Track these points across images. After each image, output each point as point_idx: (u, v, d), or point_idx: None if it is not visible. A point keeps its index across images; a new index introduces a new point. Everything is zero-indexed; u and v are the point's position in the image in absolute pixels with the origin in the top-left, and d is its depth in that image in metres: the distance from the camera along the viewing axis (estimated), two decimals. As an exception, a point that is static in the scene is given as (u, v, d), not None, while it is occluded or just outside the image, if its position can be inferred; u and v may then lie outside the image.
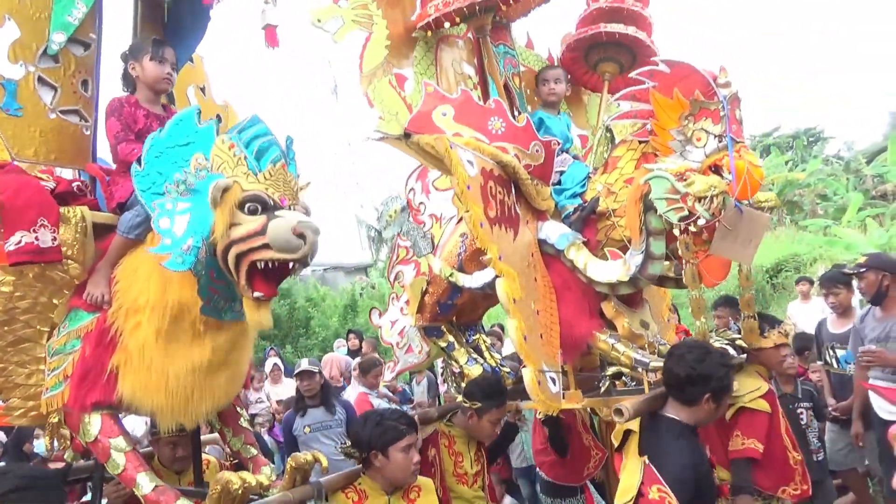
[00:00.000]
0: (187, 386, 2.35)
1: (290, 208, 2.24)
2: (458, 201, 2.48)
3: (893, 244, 10.95)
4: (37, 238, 2.40)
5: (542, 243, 3.00)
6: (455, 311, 3.74)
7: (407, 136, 2.73)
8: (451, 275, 3.38)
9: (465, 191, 2.44)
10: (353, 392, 6.32)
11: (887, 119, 26.88)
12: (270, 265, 2.14)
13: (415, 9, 3.27)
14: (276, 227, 2.11)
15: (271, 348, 9.98)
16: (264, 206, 2.18)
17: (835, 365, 4.67)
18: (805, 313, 7.48)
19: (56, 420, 2.54)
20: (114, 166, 2.77)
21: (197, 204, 2.22)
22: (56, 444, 2.72)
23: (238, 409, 2.88)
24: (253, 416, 5.70)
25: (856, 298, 5.22)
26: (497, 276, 2.58)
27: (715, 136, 2.67)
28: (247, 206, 2.17)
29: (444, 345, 3.73)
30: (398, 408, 5.24)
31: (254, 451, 2.82)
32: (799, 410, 3.91)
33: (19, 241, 2.38)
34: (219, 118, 3.22)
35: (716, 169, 2.67)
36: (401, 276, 4.15)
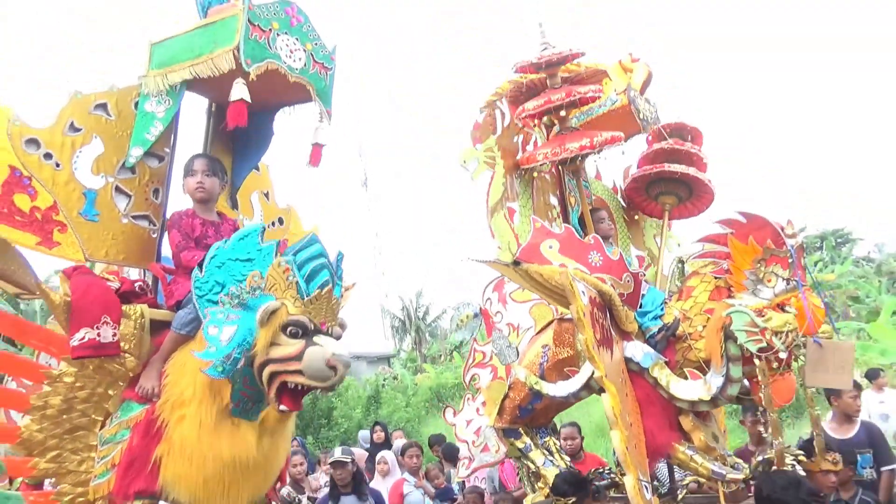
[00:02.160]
0: (224, 479, 2.49)
1: (328, 331, 2.46)
2: (579, 325, 2.85)
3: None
4: (99, 334, 2.61)
5: (627, 361, 3.38)
6: (532, 415, 4.08)
7: (516, 263, 3.20)
8: (535, 383, 3.74)
9: (582, 317, 2.84)
10: (391, 479, 6.55)
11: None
12: (300, 388, 2.36)
13: (519, 148, 3.82)
14: (311, 356, 2.31)
15: (294, 439, 10.10)
16: (304, 331, 2.38)
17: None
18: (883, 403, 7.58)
19: None
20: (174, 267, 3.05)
21: (245, 318, 2.39)
22: None
23: (272, 503, 3.04)
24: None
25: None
26: (603, 393, 2.93)
27: (783, 279, 3.13)
28: (289, 328, 2.37)
29: (521, 446, 4.04)
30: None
31: None
32: None
33: (83, 337, 2.59)
34: (280, 221, 3.68)
35: (781, 307, 3.11)
36: (476, 378, 4.51)
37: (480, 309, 4.59)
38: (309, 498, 6.51)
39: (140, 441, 2.55)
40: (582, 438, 5.94)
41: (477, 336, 4.61)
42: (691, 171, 4.12)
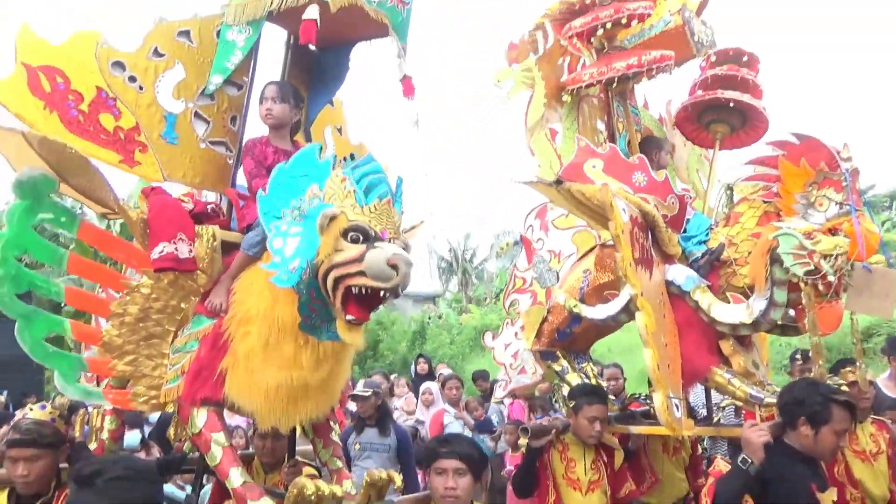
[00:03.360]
0: (284, 394, 2.54)
1: (389, 241, 2.41)
2: (617, 242, 2.86)
3: None
4: (176, 249, 2.75)
5: (668, 284, 3.36)
6: (570, 339, 4.12)
7: (558, 182, 3.18)
8: (574, 305, 3.76)
9: (620, 235, 2.83)
10: (434, 409, 6.75)
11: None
12: (364, 291, 2.32)
13: (563, 72, 3.74)
14: (372, 256, 2.29)
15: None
16: (365, 237, 2.36)
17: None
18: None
19: (173, 411, 2.84)
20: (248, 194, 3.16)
21: (307, 229, 2.41)
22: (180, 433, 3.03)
23: (331, 422, 3.11)
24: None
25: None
26: (636, 311, 2.94)
27: (836, 203, 3.02)
28: (350, 234, 2.36)
29: (558, 369, 4.10)
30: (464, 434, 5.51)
31: (339, 463, 3.03)
32: None
33: (162, 251, 2.73)
34: (353, 157, 3.72)
35: (833, 232, 3.02)
36: (516, 303, 4.55)
37: (521, 236, 4.59)
38: None
39: (207, 352, 2.67)
40: (624, 380, 5.97)
41: (517, 263, 4.63)
42: (746, 98, 3.98)
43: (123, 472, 1.78)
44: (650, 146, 4.04)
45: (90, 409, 3.61)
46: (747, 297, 3.26)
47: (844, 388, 3.52)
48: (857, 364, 3.45)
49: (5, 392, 8.62)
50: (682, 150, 4.52)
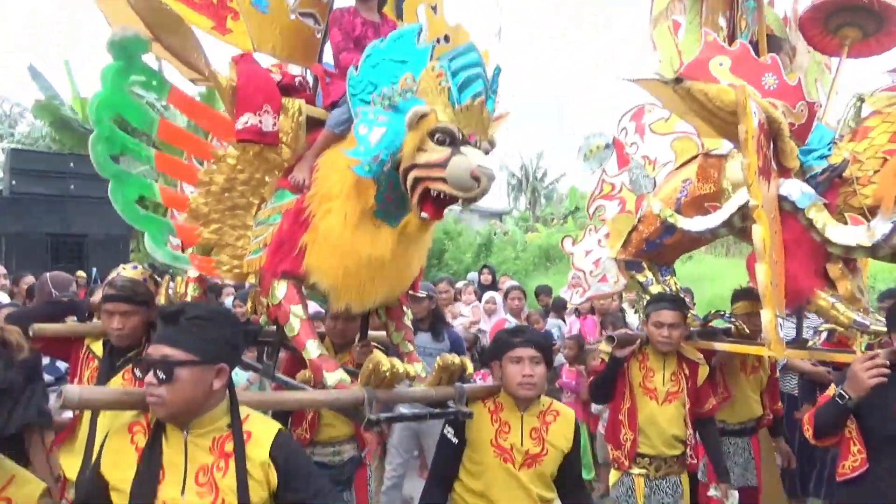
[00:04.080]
0: (362, 273, 2.54)
1: (476, 144, 2.33)
2: (744, 147, 2.61)
3: None
4: (260, 121, 2.71)
5: (782, 199, 3.11)
6: (659, 251, 3.95)
7: (678, 81, 2.91)
8: (670, 216, 3.56)
9: (750, 139, 2.58)
10: (496, 318, 6.74)
11: None
12: (442, 195, 2.28)
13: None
14: (456, 164, 2.21)
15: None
16: (452, 140, 2.28)
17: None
18: None
19: (254, 281, 2.84)
20: (334, 69, 3.04)
21: (395, 120, 2.33)
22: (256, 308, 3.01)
23: (404, 307, 3.09)
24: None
25: None
26: (755, 223, 2.73)
27: None
28: (437, 135, 2.28)
29: (642, 280, 3.96)
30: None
31: (410, 347, 3.01)
32: None
33: (246, 122, 2.70)
34: (447, 38, 3.51)
35: None
36: (602, 209, 4.37)
37: (613, 139, 4.35)
38: None
39: (289, 227, 2.65)
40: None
41: (606, 167, 4.41)
42: None
43: (206, 312, 1.85)
44: (772, 46, 3.67)
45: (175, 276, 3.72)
46: (866, 219, 2.99)
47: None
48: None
49: (94, 269, 9.08)
50: (803, 57, 4.09)
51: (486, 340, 6.36)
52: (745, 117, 2.58)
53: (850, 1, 3.55)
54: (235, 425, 1.82)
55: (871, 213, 2.99)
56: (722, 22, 3.67)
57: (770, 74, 2.97)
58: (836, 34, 3.78)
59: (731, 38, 3.66)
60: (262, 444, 1.83)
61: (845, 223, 3.01)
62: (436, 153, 2.26)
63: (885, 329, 2.81)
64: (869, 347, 3.20)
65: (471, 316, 7.16)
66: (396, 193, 2.41)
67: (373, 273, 2.56)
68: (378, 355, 2.41)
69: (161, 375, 1.73)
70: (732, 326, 3.97)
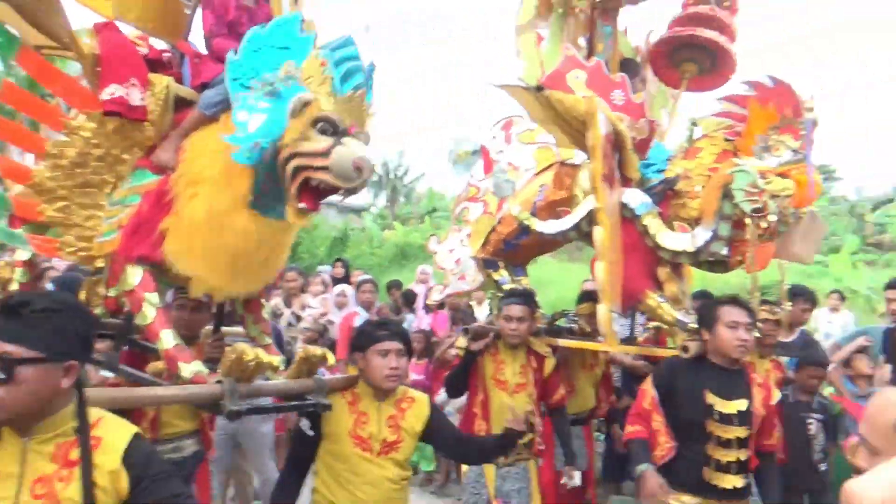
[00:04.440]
0: (224, 263, 2.47)
1: (356, 136, 2.33)
2: (591, 154, 2.89)
3: (878, 287, 11.63)
4: (128, 94, 2.56)
5: (622, 206, 3.47)
6: (515, 251, 4.22)
7: (539, 88, 3.16)
8: (526, 218, 3.83)
9: (597, 147, 2.87)
10: (347, 311, 6.73)
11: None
12: (322, 186, 2.26)
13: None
14: (339, 154, 2.21)
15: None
16: (335, 130, 2.27)
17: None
18: (834, 322, 8.22)
19: (101, 265, 2.68)
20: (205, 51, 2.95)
21: (276, 107, 2.27)
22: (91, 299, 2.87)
23: (262, 300, 3.06)
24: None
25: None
26: (596, 225, 3.03)
27: (791, 150, 3.18)
28: (320, 124, 2.26)
29: (498, 278, 4.22)
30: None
31: (268, 339, 2.97)
32: (809, 420, 4.08)
33: (113, 93, 2.54)
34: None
35: (783, 177, 3.18)
36: (467, 211, 4.60)
37: (481, 146, 4.59)
38: (293, 313, 6.79)
39: (149, 209, 2.52)
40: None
41: (473, 171, 4.65)
42: (722, 40, 4.03)
43: (54, 303, 1.65)
44: (627, 69, 4.06)
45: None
46: (692, 228, 3.42)
47: (760, 324, 3.82)
48: (777, 304, 3.73)
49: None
50: (651, 85, 4.58)
51: (334, 332, 6.39)
52: (594, 127, 2.86)
53: (691, 39, 4.03)
54: (83, 430, 1.63)
55: (696, 223, 3.44)
56: (582, 42, 4.02)
57: (619, 91, 3.31)
58: (679, 68, 4.28)
59: (589, 57, 4.02)
60: (114, 451, 1.66)
61: (674, 231, 3.43)
62: (318, 142, 2.25)
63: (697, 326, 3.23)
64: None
65: (319, 307, 7.15)
66: (274, 184, 2.37)
67: (239, 262, 2.50)
68: (242, 345, 2.36)
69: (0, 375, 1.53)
70: (576, 325, 4.33)
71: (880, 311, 9.05)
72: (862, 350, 4.57)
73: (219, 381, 2.34)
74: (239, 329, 3.18)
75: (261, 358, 2.34)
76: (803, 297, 4.94)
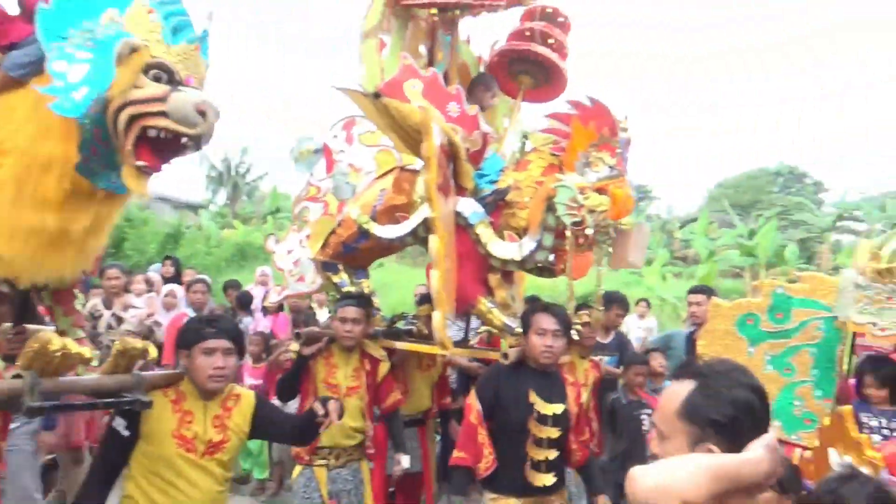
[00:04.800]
0: (32, 243, 2.26)
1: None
2: (426, 164, 2.96)
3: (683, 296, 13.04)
4: None
5: (457, 214, 3.60)
6: (354, 255, 4.22)
7: (377, 96, 3.20)
8: (366, 222, 3.85)
9: (431, 157, 2.94)
10: (176, 313, 6.44)
11: (705, 195, 31.29)
12: (162, 136, 2.09)
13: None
14: (178, 97, 2.07)
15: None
16: (170, 79, 2.11)
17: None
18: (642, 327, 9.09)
19: None
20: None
21: (100, 57, 2.09)
22: None
23: (76, 291, 2.85)
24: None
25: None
26: (431, 233, 3.11)
27: (608, 166, 3.47)
28: (152, 72, 2.10)
29: (337, 280, 4.19)
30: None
31: (81, 333, 2.78)
32: (642, 416, 4.41)
33: None
34: None
35: (601, 192, 3.46)
36: (306, 211, 4.52)
37: (324, 145, 4.53)
38: (114, 315, 6.25)
39: None
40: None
41: (314, 171, 4.57)
42: (554, 56, 4.29)
43: None
44: (480, 83, 4.20)
45: None
46: (520, 238, 3.63)
47: (579, 327, 4.13)
48: (593, 308, 4.05)
49: None
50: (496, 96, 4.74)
51: (161, 334, 6.02)
52: (428, 137, 2.94)
53: (527, 53, 4.25)
54: None
55: (524, 233, 3.64)
56: (423, 50, 4.11)
57: (454, 103, 3.44)
58: (516, 79, 4.48)
59: (430, 66, 4.12)
60: None
61: (504, 240, 3.61)
62: (154, 88, 2.08)
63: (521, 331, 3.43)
64: None
65: (145, 308, 6.69)
66: (103, 144, 2.16)
67: (52, 241, 2.27)
68: (47, 334, 2.15)
69: None
70: (414, 327, 4.41)
71: (684, 317, 10.21)
72: (656, 350, 5.07)
73: (17, 375, 2.09)
74: (47, 327, 2.80)
75: (69, 349, 2.15)
76: (618, 303, 5.41)
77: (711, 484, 1.15)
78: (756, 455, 1.22)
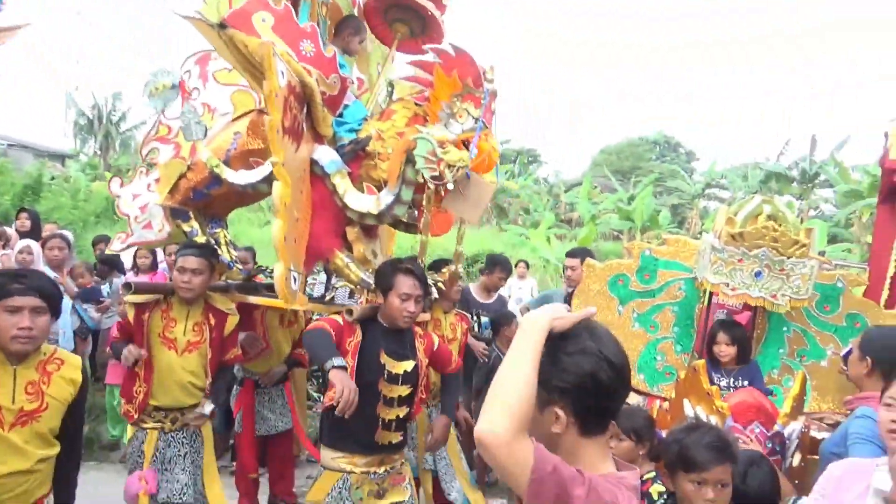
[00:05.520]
0: None
1: None
2: (268, 104, 2.74)
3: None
4: None
5: (313, 163, 3.40)
6: (206, 201, 3.94)
7: (222, 26, 2.93)
8: (216, 165, 3.58)
9: (273, 97, 2.72)
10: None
11: (588, 161, 32.46)
12: None
13: None
14: None
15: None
16: None
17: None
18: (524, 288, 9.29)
19: None
20: None
21: None
22: None
23: None
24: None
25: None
26: (274, 180, 2.91)
27: (473, 118, 3.37)
28: None
29: (187, 229, 3.90)
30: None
31: None
32: None
33: None
34: None
35: (465, 144, 3.37)
36: (155, 152, 4.16)
37: (180, 80, 4.16)
38: None
39: None
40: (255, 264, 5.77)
41: (166, 109, 4.20)
42: (431, 6, 4.13)
43: None
44: (348, 26, 3.93)
45: None
46: (381, 191, 3.49)
47: (441, 283, 4.09)
48: (453, 264, 4.01)
49: None
50: (369, 43, 4.55)
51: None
52: (270, 75, 2.72)
53: (404, 1, 4.02)
54: None
55: (386, 185, 3.50)
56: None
57: (308, 42, 3.19)
58: (392, 27, 4.27)
59: (294, 4, 3.84)
60: None
61: (363, 192, 3.46)
62: None
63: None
64: None
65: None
66: None
67: None
68: None
69: None
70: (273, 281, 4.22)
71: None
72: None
73: None
74: None
75: None
76: (500, 265, 5.45)
77: (529, 388, 1.18)
78: (527, 320, 1.29)
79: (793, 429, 3.00)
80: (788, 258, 3.64)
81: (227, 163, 3.65)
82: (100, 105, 24.79)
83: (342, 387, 2.63)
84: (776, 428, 2.88)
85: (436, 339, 3.23)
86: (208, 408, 3.43)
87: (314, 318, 4.67)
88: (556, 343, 1.28)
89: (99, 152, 24.82)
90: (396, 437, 3.06)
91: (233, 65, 3.20)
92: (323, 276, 4.63)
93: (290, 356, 4.50)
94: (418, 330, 3.17)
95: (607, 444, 1.32)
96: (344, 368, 2.74)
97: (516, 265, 10.36)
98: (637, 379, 4.15)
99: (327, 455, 3.05)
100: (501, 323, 5.04)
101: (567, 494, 1.13)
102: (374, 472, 3.04)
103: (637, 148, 31.14)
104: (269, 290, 4.13)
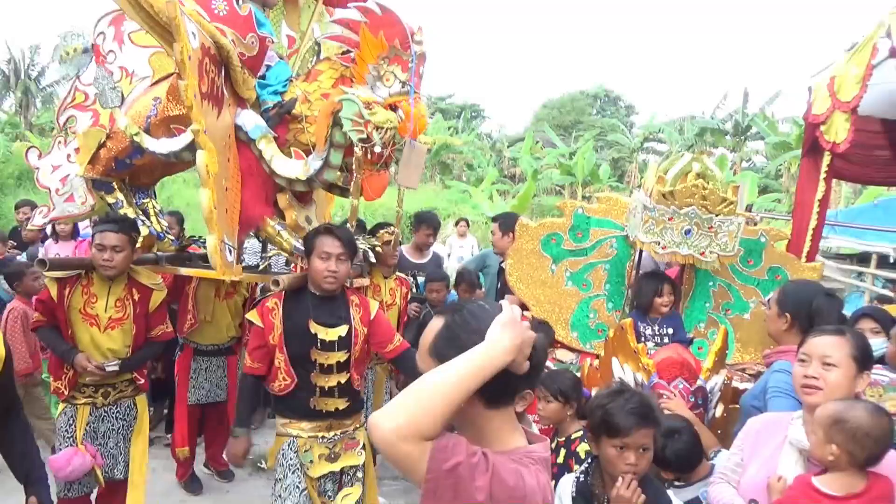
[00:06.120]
0: None
1: None
2: (181, 69, 2.61)
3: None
4: None
5: (237, 128, 3.28)
6: (130, 171, 3.78)
7: (128, -17, 2.75)
8: (136, 134, 3.42)
9: (186, 60, 2.59)
10: None
11: (531, 116, 32.46)
12: None
13: None
14: None
15: None
16: None
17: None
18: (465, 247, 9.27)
19: None
20: None
21: None
22: None
23: None
24: None
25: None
26: (198, 148, 2.80)
27: (400, 82, 3.30)
28: None
29: (112, 201, 3.75)
30: None
31: None
32: None
33: None
34: None
35: (393, 108, 3.30)
36: (73, 120, 3.95)
37: (93, 44, 3.92)
38: None
39: None
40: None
41: (81, 74, 3.97)
42: None
43: None
44: None
45: None
46: (309, 155, 3.40)
47: (379, 247, 4.06)
48: (392, 227, 3.97)
49: None
50: (302, -1, 4.34)
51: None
52: (180, 36, 2.59)
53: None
54: None
55: (314, 149, 3.41)
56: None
57: (221, 0, 3.04)
58: (319, -24, 4.07)
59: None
60: None
61: (291, 157, 3.36)
62: None
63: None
64: None
65: None
66: None
67: None
68: None
69: None
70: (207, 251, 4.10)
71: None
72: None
73: None
74: None
75: None
76: (426, 222, 5.41)
77: (445, 405, 1.10)
78: (491, 340, 1.18)
79: (715, 382, 3.14)
80: (717, 216, 3.75)
81: (147, 130, 3.49)
82: (16, 59, 23.27)
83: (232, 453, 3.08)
84: (699, 383, 3.01)
85: (374, 306, 3.21)
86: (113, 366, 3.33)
87: (258, 292, 4.62)
88: (456, 320, 1.26)
89: (18, 109, 23.41)
90: (342, 403, 3.07)
91: (141, 25, 3.02)
92: (256, 244, 4.53)
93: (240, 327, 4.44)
94: (354, 298, 3.16)
95: (514, 415, 1.30)
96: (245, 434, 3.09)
97: (457, 223, 10.39)
98: (571, 336, 4.25)
99: (278, 422, 3.13)
100: (429, 283, 4.99)
101: (468, 488, 1.11)
102: (323, 437, 3.07)
103: (578, 102, 31.29)
104: (204, 260, 4.03)
